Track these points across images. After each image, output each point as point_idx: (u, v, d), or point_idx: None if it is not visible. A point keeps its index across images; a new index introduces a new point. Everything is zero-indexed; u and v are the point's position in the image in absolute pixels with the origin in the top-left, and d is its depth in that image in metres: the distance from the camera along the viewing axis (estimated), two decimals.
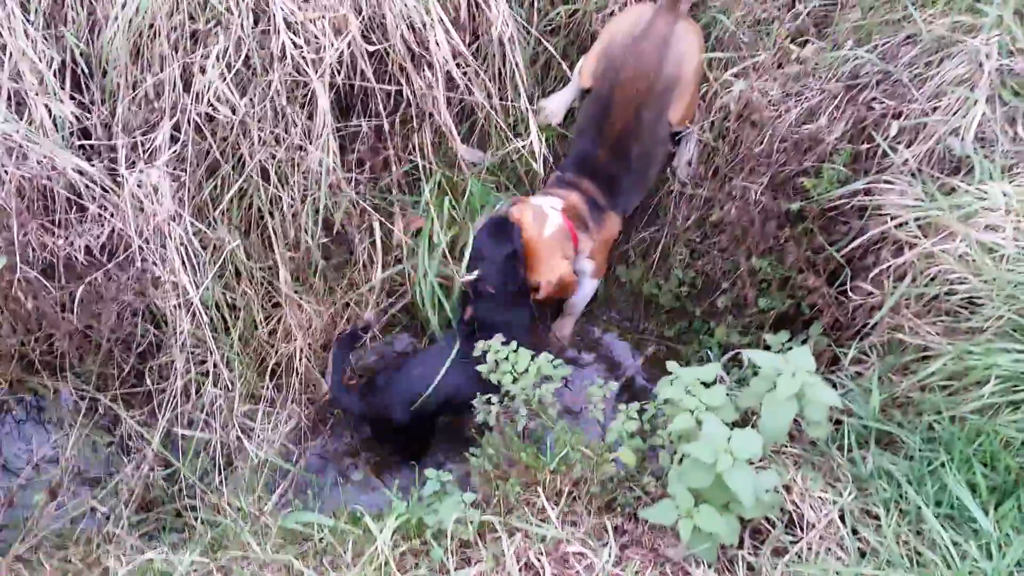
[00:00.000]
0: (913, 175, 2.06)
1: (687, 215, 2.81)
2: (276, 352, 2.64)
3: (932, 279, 1.87)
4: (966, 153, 1.97)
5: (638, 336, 3.02)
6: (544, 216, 2.57)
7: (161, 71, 2.38)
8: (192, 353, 2.44)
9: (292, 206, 2.44)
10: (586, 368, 2.98)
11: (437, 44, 2.49)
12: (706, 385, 1.81)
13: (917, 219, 1.91)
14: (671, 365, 1.91)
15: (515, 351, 2.09)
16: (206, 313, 2.41)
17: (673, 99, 2.58)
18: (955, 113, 2.01)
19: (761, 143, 2.37)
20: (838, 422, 1.90)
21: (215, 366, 2.45)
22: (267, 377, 2.64)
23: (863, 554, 1.64)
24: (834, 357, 2.22)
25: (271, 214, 2.47)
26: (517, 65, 2.66)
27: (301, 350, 2.64)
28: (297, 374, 2.67)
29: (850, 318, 2.18)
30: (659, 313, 2.99)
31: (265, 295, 2.62)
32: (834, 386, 1.97)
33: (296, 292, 2.57)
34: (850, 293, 2.16)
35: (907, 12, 2.20)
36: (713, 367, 1.92)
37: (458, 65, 2.54)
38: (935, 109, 2.04)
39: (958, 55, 2.06)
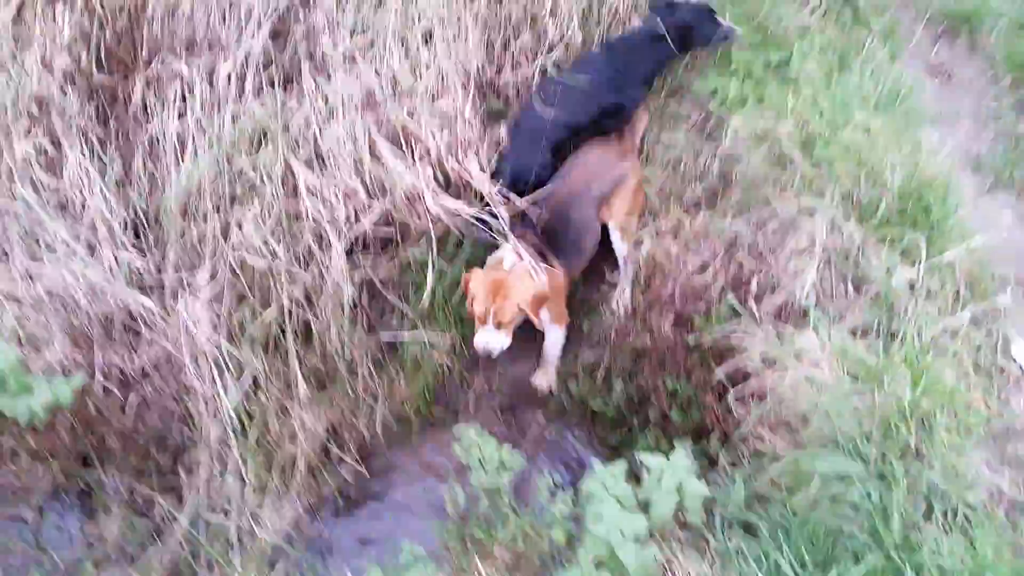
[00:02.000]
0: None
1: (620, 342, 3.47)
2: (283, 451, 3.24)
3: (780, 401, 2.53)
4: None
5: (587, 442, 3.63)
6: (500, 258, 3.14)
7: (205, 223, 3.08)
8: (216, 451, 3.03)
9: (309, 333, 3.09)
10: (545, 467, 3.56)
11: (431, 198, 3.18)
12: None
13: (764, 355, 2.58)
14: (593, 462, 2.52)
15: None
16: (229, 420, 3.02)
17: (610, 202, 3.28)
18: (798, 275, 2.72)
19: (666, 288, 3.08)
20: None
21: (233, 463, 3.04)
22: (273, 472, 3.22)
23: None
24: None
25: (292, 334, 3.11)
26: None
27: (303, 452, 3.25)
28: (299, 471, 3.26)
29: (732, 429, 2.82)
30: (604, 423, 3.60)
31: (277, 404, 3.24)
32: (710, 483, 2.58)
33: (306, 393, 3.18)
34: (732, 410, 2.81)
35: (771, 194, 2.95)
36: (620, 464, 2.54)
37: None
38: (783, 270, 2.76)
39: (801, 231, 2.79)
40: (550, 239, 3.24)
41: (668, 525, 2.44)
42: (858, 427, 2.37)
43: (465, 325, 3.48)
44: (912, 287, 2.68)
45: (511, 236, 3.13)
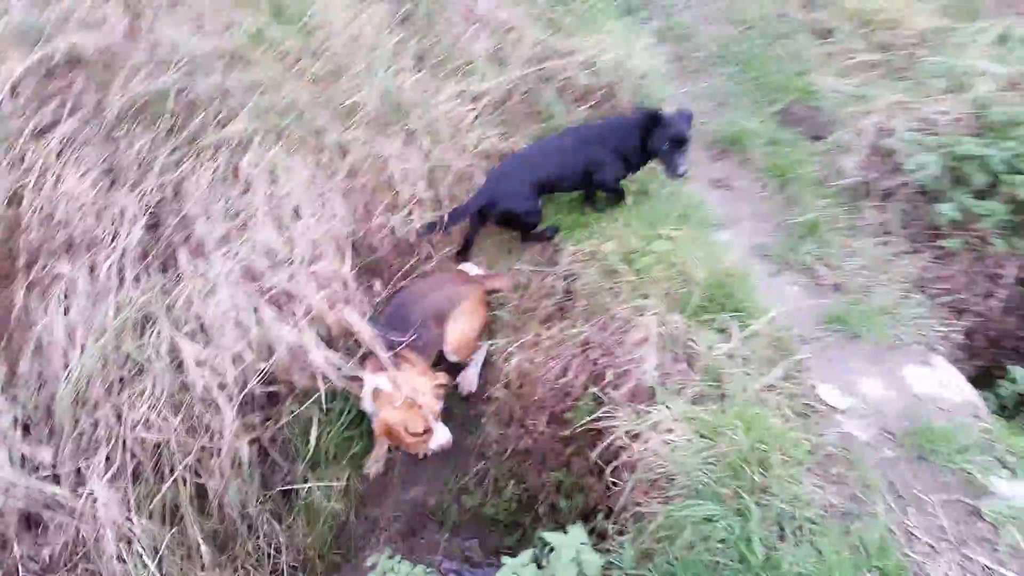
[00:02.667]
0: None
1: (504, 448, 3.84)
2: None
3: (648, 468, 2.97)
4: None
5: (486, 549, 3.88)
6: (376, 387, 3.44)
7: (97, 410, 3.21)
8: None
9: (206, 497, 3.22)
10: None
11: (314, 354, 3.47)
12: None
13: (628, 431, 3.04)
14: (506, 560, 2.80)
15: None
16: None
17: (447, 319, 3.72)
18: (641, 362, 3.25)
19: (536, 393, 3.51)
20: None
21: None
22: None
23: None
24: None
25: (191, 502, 3.23)
26: None
27: None
28: None
29: (614, 503, 3.21)
30: (499, 528, 3.88)
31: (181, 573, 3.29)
32: (604, 552, 2.93)
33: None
34: (610, 485, 3.21)
35: (608, 301, 3.53)
36: (527, 553, 2.84)
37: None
38: (630, 360, 3.28)
39: (637, 327, 3.35)
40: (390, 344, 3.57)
41: None
42: (712, 475, 2.84)
43: (357, 467, 3.76)
44: (731, 356, 3.27)
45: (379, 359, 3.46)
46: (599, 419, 3.26)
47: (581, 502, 3.50)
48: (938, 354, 3.71)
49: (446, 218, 3.85)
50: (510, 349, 3.70)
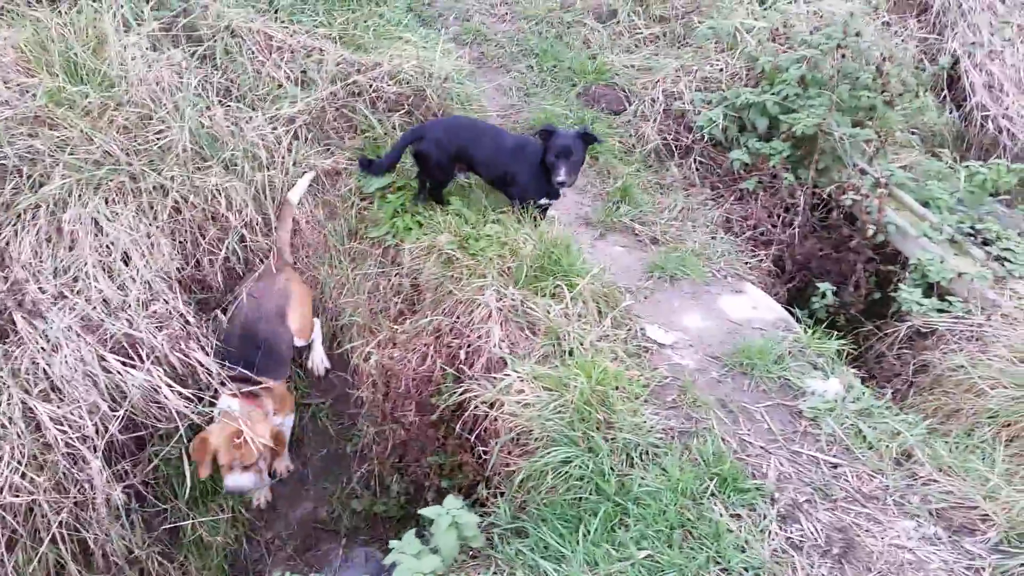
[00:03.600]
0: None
1: (384, 448, 4.00)
2: None
3: (510, 429, 3.22)
4: None
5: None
6: (227, 408, 3.53)
7: None
8: None
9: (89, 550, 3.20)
10: None
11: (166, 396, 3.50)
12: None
13: (484, 400, 3.28)
14: (393, 543, 2.96)
15: None
16: None
17: (286, 314, 3.87)
18: (489, 336, 3.50)
19: (401, 386, 3.70)
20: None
21: None
22: None
23: None
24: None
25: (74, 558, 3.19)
26: None
27: None
28: None
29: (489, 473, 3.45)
30: (392, 524, 4.03)
31: None
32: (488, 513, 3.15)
33: None
34: (482, 456, 3.45)
35: (451, 288, 3.76)
36: (410, 532, 3.01)
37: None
38: (479, 336, 3.53)
39: (480, 306, 3.60)
40: (251, 363, 3.69)
41: (457, 557, 2.95)
42: (563, 422, 3.13)
43: (238, 497, 3.81)
44: (567, 316, 3.58)
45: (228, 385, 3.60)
46: (461, 397, 3.49)
47: (462, 480, 3.71)
48: (749, 283, 4.19)
49: (384, 160, 4.14)
50: (367, 349, 3.86)
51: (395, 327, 3.85)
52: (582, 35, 5.87)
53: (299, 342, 3.99)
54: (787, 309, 4.06)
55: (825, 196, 4.77)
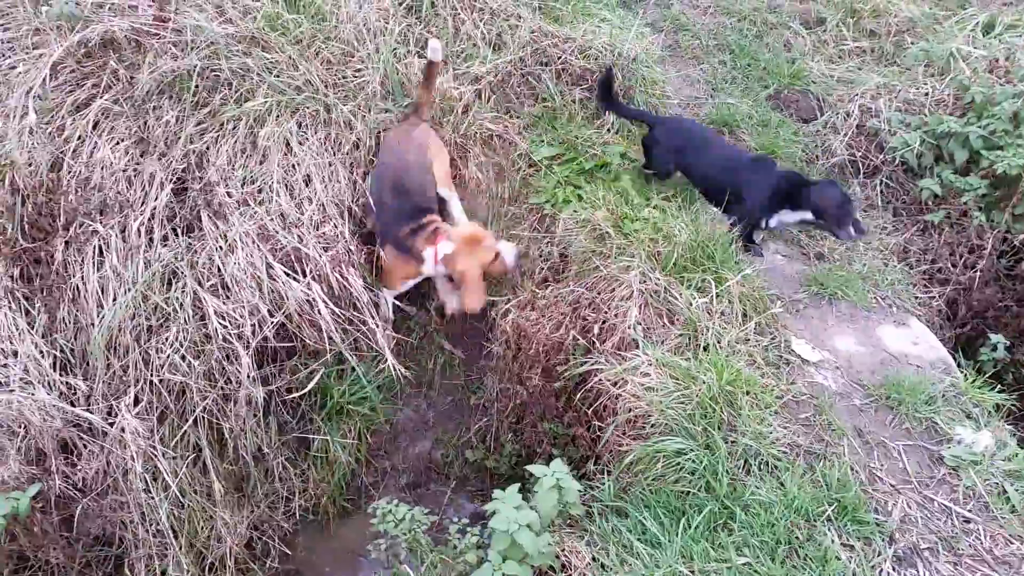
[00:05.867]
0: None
1: (504, 406, 4.09)
2: (212, 551, 3.55)
3: (629, 410, 3.21)
4: None
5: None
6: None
7: (127, 356, 3.51)
8: (153, 555, 3.33)
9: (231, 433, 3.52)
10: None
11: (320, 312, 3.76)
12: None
13: (609, 378, 3.28)
14: (495, 492, 3.04)
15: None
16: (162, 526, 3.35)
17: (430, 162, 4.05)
18: (626, 316, 3.49)
19: (531, 349, 3.77)
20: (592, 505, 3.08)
21: (169, 566, 3.34)
22: (206, 571, 3.51)
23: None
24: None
25: (210, 444, 3.52)
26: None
27: (230, 549, 3.57)
28: (229, 567, 3.56)
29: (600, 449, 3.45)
30: (500, 480, 4.13)
31: (200, 508, 3.57)
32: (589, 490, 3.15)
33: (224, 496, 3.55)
34: (598, 432, 3.46)
35: (598, 263, 3.78)
36: (514, 486, 3.08)
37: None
38: (616, 315, 3.52)
39: (623, 285, 3.59)
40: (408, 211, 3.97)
41: (555, 518, 2.97)
42: (684, 414, 3.08)
43: (368, 422, 4.03)
44: (709, 311, 3.50)
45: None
46: (586, 369, 3.51)
47: (574, 453, 3.73)
48: (914, 317, 3.91)
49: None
50: (507, 306, 3.95)
51: (537, 291, 3.92)
52: (784, 38, 5.64)
53: (442, 191, 4.18)
54: (951, 354, 3.75)
55: (1018, 244, 4.33)
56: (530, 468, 3.00)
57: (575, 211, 4.15)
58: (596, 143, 4.52)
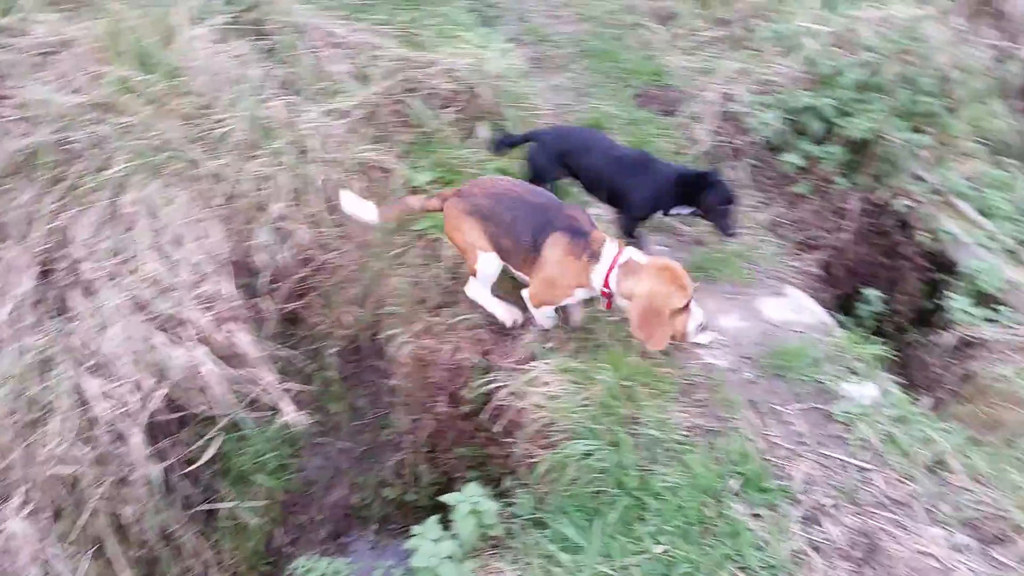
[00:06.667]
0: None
1: (417, 438, 4.06)
2: None
3: (536, 420, 3.24)
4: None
5: None
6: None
7: (8, 456, 3.31)
8: None
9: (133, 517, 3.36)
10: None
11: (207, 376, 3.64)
12: None
13: (511, 392, 3.31)
14: (414, 528, 3.00)
15: None
16: None
17: None
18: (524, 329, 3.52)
19: (434, 376, 3.76)
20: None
21: None
22: None
23: None
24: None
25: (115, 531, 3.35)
26: None
27: None
28: None
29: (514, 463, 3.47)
30: (424, 513, 4.05)
31: None
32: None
33: None
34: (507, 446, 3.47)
35: None
36: (432, 519, 3.05)
37: None
38: (514, 331, 3.55)
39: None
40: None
41: (478, 541, 2.97)
42: (588, 416, 3.13)
43: (278, 480, 3.93)
44: (600, 311, 3.57)
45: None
46: (488, 388, 3.52)
47: (492, 472, 3.73)
48: (791, 286, 4.10)
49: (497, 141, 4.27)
50: (404, 339, 3.93)
51: (433, 318, 3.91)
52: (643, 37, 5.85)
53: None
54: (832, 315, 3.95)
55: (879, 202, 4.62)
56: (443, 498, 2.99)
57: None
58: (473, 162, 4.56)
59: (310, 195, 4.20)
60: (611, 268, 3.09)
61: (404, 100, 4.67)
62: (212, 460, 3.72)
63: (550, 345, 3.50)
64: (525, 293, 3.38)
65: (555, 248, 3.14)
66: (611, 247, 3.12)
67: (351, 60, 4.71)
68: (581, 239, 3.13)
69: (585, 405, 3.16)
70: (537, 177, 4.29)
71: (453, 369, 3.73)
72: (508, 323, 3.59)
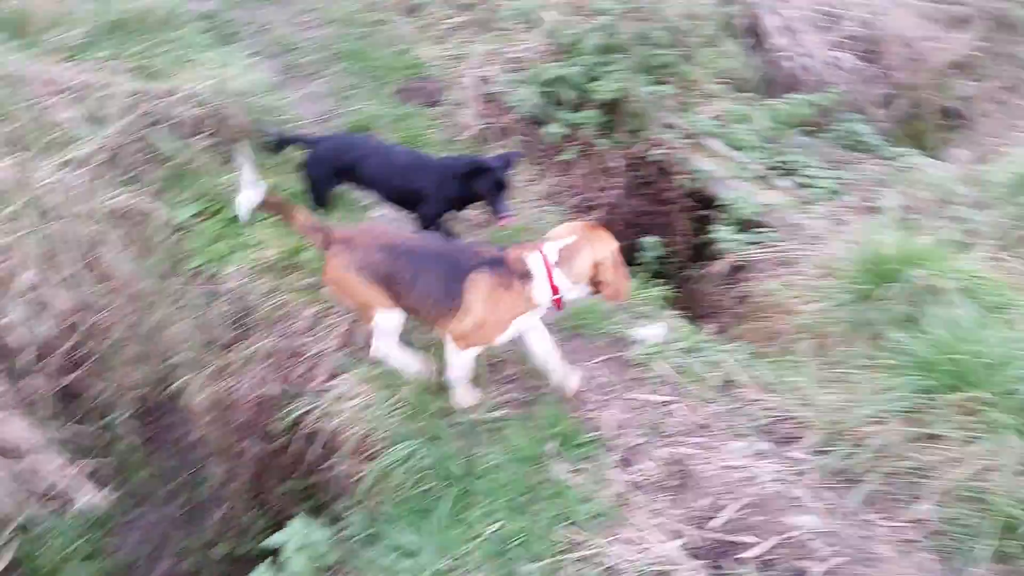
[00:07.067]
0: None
1: (237, 487, 3.81)
2: None
3: (352, 435, 3.14)
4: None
5: None
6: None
7: None
8: None
9: None
10: None
11: None
12: None
13: (319, 414, 3.19)
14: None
15: None
16: None
17: None
18: (323, 349, 3.41)
19: (239, 416, 3.55)
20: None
21: None
22: None
23: None
24: None
25: None
26: None
27: None
28: None
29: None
30: (257, 562, 3.84)
31: None
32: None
33: None
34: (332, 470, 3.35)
35: (287, 302, 3.63)
36: (264, 563, 2.88)
37: None
38: (317, 352, 3.43)
39: (319, 313, 3.50)
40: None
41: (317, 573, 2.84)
42: (402, 417, 3.08)
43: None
44: None
45: None
46: (297, 416, 3.37)
47: (322, 499, 3.59)
48: None
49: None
50: (198, 384, 3.67)
51: (227, 356, 3.68)
52: (391, 32, 5.83)
53: None
54: None
55: (639, 155, 4.94)
56: (268, 542, 2.84)
57: (240, 260, 3.96)
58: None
59: (62, 256, 3.78)
60: (550, 270, 2.91)
61: (147, 135, 4.33)
62: (13, 565, 3.30)
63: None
64: (448, 337, 3.04)
65: (478, 288, 2.90)
66: (533, 256, 2.94)
67: (79, 103, 4.29)
68: (501, 267, 2.93)
69: (398, 407, 3.12)
70: (315, 188, 4.15)
71: (258, 405, 3.54)
72: (426, 374, 3.28)
